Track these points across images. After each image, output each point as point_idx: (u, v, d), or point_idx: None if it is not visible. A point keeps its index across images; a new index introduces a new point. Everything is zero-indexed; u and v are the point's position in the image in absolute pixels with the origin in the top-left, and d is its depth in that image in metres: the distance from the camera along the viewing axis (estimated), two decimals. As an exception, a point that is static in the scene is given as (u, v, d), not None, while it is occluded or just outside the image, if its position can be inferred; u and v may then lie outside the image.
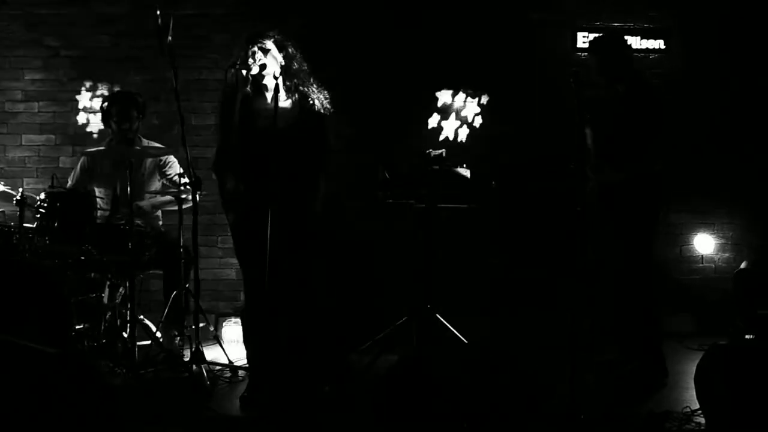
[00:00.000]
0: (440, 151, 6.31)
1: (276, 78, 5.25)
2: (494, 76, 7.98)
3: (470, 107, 7.40)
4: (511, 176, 7.20)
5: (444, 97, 7.49)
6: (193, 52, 7.88)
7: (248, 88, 5.38)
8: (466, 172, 6.30)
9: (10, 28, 7.96)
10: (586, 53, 6.44)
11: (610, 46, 6.18)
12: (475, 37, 8.09)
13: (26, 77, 7.98)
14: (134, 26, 7.89)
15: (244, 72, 5.32)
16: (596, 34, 7.84)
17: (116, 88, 7.65)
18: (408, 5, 8.08)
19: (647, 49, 8.22)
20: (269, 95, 5.37)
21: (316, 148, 5.44)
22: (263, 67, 5.31)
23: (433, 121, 7.51)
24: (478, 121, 7.56)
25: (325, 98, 5.50)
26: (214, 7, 7.97)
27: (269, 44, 5.40)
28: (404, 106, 7.90)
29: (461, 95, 7.40)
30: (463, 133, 7.64)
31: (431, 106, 7.86)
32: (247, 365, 5.84)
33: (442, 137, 7.38)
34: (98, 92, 7.43)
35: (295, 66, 5.45)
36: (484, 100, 7.30)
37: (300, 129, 5.36)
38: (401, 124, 7.91)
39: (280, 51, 5.41)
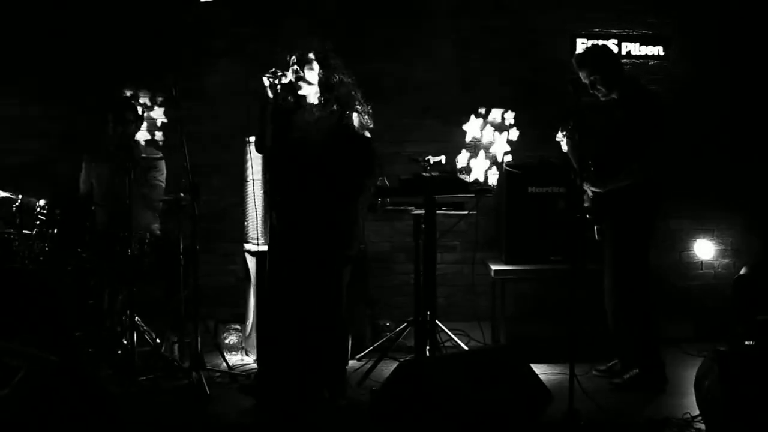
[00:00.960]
0: (439, 157, 6.30)
1: (313, 90, 5.33)
2: (493, 83, 7.99)
3: (499, 144, 7.26)
4: (512, 181, 7.20)
5: (472, 130, 7.37)
6: (192, 58, 7.87)
7: (283, 100, 5.40)
8: (465, 179, 6.30)
9: (9, 29, 7.94)
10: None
11: (596, 58, 6.16)
12: (472, 43, 8.10)
13: (26, 80, 7.96)
14: (134, 32, 7.87)
15: (275, 81, 5.32)
16: (593, 41, 7.88)
17: (127, 92, 7.63)
18: (407, 11, 8.08)
19: (646, 55, 8.22)
20: (307, 107, 5.40)
21: (360, 170, 5.45)
22: (299, 78, 5.33)
23: (462, 159, 7.39)
24: (507, 159, 7.45)
25: (368, 115, 5.51)
26: (213, 14, 7.96)
27: (309, 56, 5.41)
28: (405, 114, 7.91)
29: (489, 129, 7.28)
30: (493, 177, 7.55)
31: (430, 114, 7.87)
32: (248, 370, 5.86)
33: (471, 178, 7.28)
34: (106, 100, 7.39)
35: (336, 79, 5.44)
36: (513, 135, 7.19)
37: (339, 143, 5.36)
38: (402, 131, 7.92)
39: (320, 64, 5.42)
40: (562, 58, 7.86)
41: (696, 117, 8.14)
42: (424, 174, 6.19)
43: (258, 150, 5.69)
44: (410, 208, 6.46)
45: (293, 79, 5.33)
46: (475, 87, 7.95)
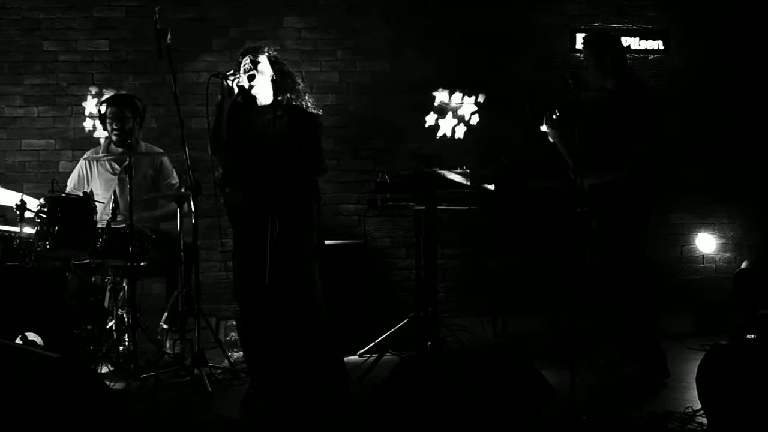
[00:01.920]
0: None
1: (266, 90, 5.39)
2: (493, 78, 7.99)
3: (467, 105, 7.38)
4: (512, 176, 7.19)
5: (441, 96, 7.48)
6: (192, 55, 7.88)
7: (238, 99, 5.47)
8: (465, 174, 6.29)
9: (8, 32, 7.95)
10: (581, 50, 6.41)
11: (604, 42, 6.17)
12: (475, 39, 8.09)
13: (25, 82, 7.97)
14: (133, 31, 7.88)
15: (229, 82, 5.40)
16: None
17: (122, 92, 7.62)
18: (407, 7, 8.09)
19: (646, 49, 8.22)
20: (259, 107, 5.45)
21: (309, 150, 5.47)
22: (252, 78, 5.39)
23: (430, 119, 7.50)
24: (475, 120, 7.53)
25: (313, 102, 5.58)
26: (212, 11, 7.97)
27: (262, 58, 5.49)
28: (404, 108, 7.90)
29: (458, 94, 7.38)
30: (460, 131, 7.63)
31: (430, 110, 7.86)
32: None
33: (439, 135, 7.35)
34: (103, 98, 7.39)
35: (288, 81, 5.51)
36: (481, 98, 7.28)
37: (292, 136, 5.39)
38: (401, 128, 7.92)
39: (272, 66, 5.48)
40: (562, 54, 7.87)
41: (697, 111, 8.15)
42: (424, 169, 6.19)
43: (213, 149, 5.63)
44: (411, 203, 6.46)
45: (249, 70, 5.42)
46: (478, 83, 7.94)
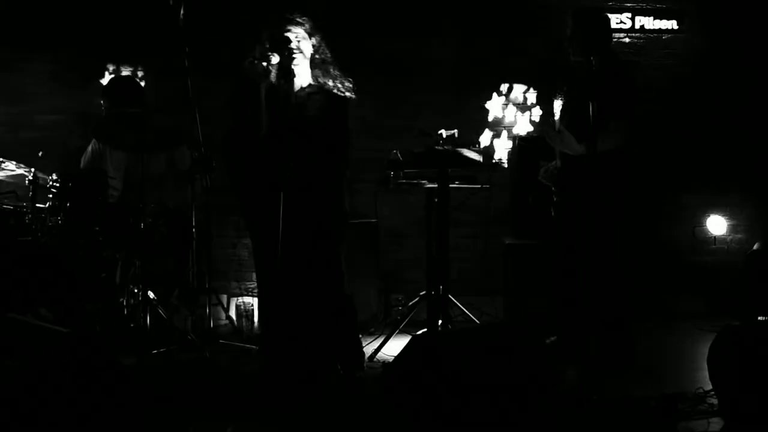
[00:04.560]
0: (452, 131, 6.28)
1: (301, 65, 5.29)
2: (505, 59, 7.96)
3: (521, 123, 7.21)
4: (523, 155, 7.18)
5: (494, 109, 7.35)
6: (206, 30, 7.85)
7: (272, 78, 5.30)
8: (478, 151, 6.27)
9: (24, 7, 7.94)
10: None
11: (592, 18, 6.11)
12: (487, 20, 8.07)
13: (39, 57, 7.96)
14: (147, 7, 7.86)
15: (266, 63, 5.27)
16: (610, 15, 7.84)
17: (139, 72, 7.56)
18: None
19: (660, 29, 8.19)
20: (296, 82, 5.33)
21: (336, 132, 5.40)
22: (291, 53, 5.27)
23: (485, 139, 7.35)
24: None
25: (349, 83, 5.47)
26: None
27: (300, 31, 5.36)
28: (418, 89, 7.89)
29: (511, 108, 7.22)
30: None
31: (443, 90, 7.82)
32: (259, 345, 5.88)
33: (496, 159, 7.20)
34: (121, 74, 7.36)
35: (320, 55, 5.42)
36: (536, 115, 7.14)
37: (322, 116, 5.33)
38: (415, 107, 7.91)
39: (309, 38, 5.38)
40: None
41: (711, 91, 8.13)
42: (437, 147, 6.17)
43: (237, 142, 5.46)
44: (423, 181, 6.45)
45: (287, 57, 5.28)
46: (488, 63, 7.91)
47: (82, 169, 6.78)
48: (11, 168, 6.55)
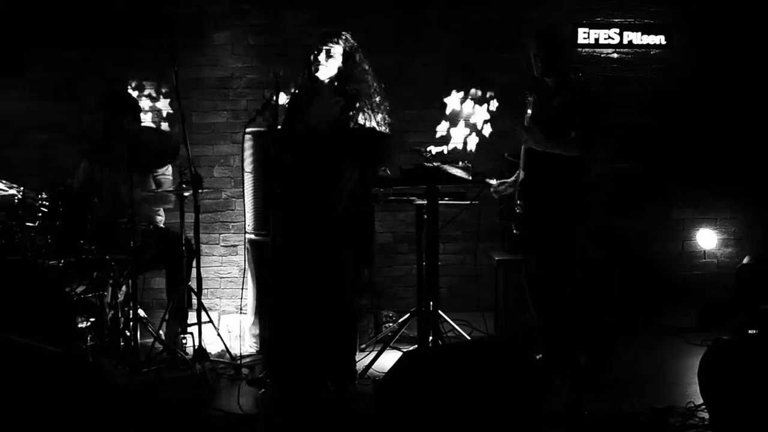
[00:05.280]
0: (441, 148, 6.31)
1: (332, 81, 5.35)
2: (494, 73, 7.97)
3: (479, 114, 7.27)
4: (513, 170, 7.19)
5: (452, 103, 7.38)
6: (193, 49, 7.86)
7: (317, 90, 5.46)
8: (466, 168, 6.29)
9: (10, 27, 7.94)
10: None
11: (549, 40, 6.15)
12: (475, 35, 8.08)
13: (27, 76, 7.95)
14: (135, 24, 7.86)
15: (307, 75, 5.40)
16: (595, 30, 7.92)
17: (122, 87, 7.55)
18: (409, 4, 8.07)
19: (648, 44, 8.19)
20: (323, 97, 5.40)
21: (371, 159, 5.47)
22: (322, 69, 5.36)
23: (442, 128, 7.37)
24: (487, 130, 7.38)
25: (384, 116, 5.50)
26: (214, 5, 7.95)
27: (336, 49, 5.44)
28: (407, 104, 7.90)
29: (469, 102, 7.27)
30: (473, 142, 7.54)
31: (432, 104, 7.84)
32: (251, 361, 5.88)
33: (450, 146, 7.22)
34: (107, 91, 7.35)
35: (358, 74, 5.46)
36: (494, 106, 7.18)
37: (343, 136, 5.35)
38: (404, 123, 7.92)
39: (346, 57, 5.43)
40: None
41: (699, 106, 8.14)
42: (426, 164, 6.19)
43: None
44: (412, 198, 6.46)
45: (321, 72, 5.35)
46: (475, 78, 7.92)
47: (71, 188, 6.76)
48: (1, 187, 6.53)
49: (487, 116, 7.29)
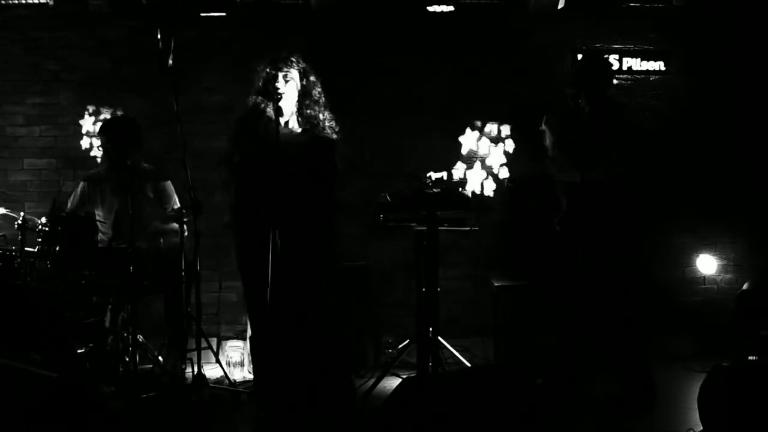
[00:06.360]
0: (441, 174, 6.29)
1: (292, 105, 5.32)
2: (495, 98, 7.99)
3: (495, 156, 7.20)
4: (514, 198, 7.19)
5: (468, 142, 7.34)
6: (194, 75, 7.88)
7: (269, 114, 5.36)
8: (466, 194, 6.29)
9: (10, 52, 7.99)
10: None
11: (594, 61, 6.21)
12: (476, 60, 8.11)
13: (27, 101, 7.98)
14: (135, 50, 7.90)
15: (262, 99, 5.33)
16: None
17: (119, 112, 7.54)
18: (408, 32, 8.10)
19: (647, 70, 8.23)
20: (283, 121, 5.35)
21: (325, 172, 5.42)
22: (281, 95, 5.31)
23: (458, 172, 7.32)
24: (503, 174, 7.34)
25: (335, 124, 5.50)
26: (215, 30, 7.98)
27: (293, 72, 5.41)
28: (408, 131, 7.91)
29: (485, 141, 7.21)
30: (489, 187, 7.45)
31: (432, 133, 7.84)
32: (251, 388, 5.84)
33: (468, 190, 7.17)
34: (101, 116, 7.38)
35: (313, 95, 5.45)
36: (510, 147, 7.14)
37: (309, 155, 5.34)
38: (404, 149, 7.93)
39: (301, 79, 5.42)
40: (563, 74, 7.88)
41: (698, 131, 8.16)
42: (426, 190, 6.18)
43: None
44: (412, 224, 6.45)
45: (279, 96, 5.31)
46: (479, 106, 7.93)
47: (70, 213, 6.76)
48: (0, 211, 6.55)
49: (504, 159, 7.18)
